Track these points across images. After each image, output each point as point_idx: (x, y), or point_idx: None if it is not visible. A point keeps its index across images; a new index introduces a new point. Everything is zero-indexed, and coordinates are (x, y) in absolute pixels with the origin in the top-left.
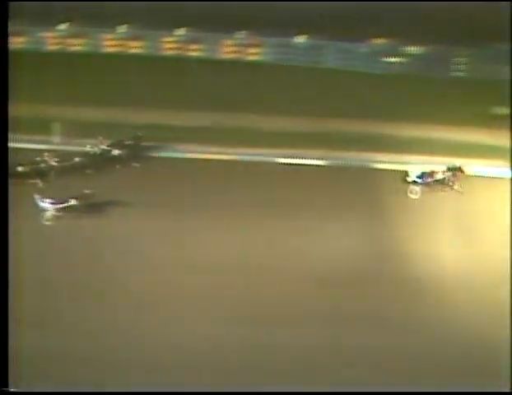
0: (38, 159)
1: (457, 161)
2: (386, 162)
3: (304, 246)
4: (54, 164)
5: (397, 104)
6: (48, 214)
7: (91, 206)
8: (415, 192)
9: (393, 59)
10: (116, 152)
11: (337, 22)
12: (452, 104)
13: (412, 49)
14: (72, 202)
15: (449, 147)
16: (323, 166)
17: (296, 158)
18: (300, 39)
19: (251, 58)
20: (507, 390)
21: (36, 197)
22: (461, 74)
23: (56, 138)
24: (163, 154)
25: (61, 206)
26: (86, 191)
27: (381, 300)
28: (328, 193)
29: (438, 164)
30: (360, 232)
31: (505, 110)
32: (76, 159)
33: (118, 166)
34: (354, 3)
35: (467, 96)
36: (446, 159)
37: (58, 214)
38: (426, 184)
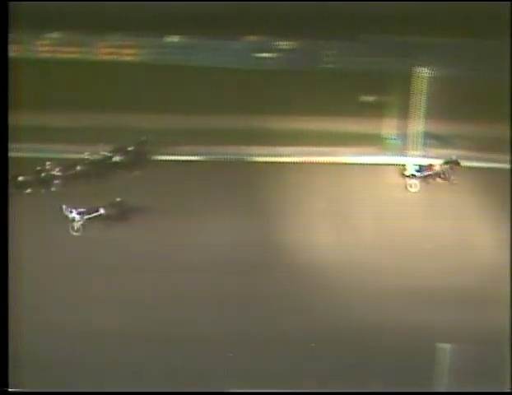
0: (39, 168)
1: (333, 150)
2: (262, 155)
3: (187, 240)
4: (57, 173)
5: (271, 98)
6: (77, 224)
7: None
8: (414, 186)
9: (264, 55)
10: (118, 158)
11: (208, 20)
12: (323, 95)
13: (283, 44)
14: (102, 211)
15: (323, 137)
16: (202, 161)
17: (174, 155)
18: (173, 39)
19: (126, 58)
20: (507, 390)
21: (64, 207)
22: (330, 66)
23: None
24: None
25: (90, 215)
26: (117, 199)
27: (265, 287)
28: (208, 188)
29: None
30: (241, 224)
31: (373, 99)
32: (79, 167)
33: (120, 172)
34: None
35: (338, 87)
36: (320, 149)
37: (86, 224)
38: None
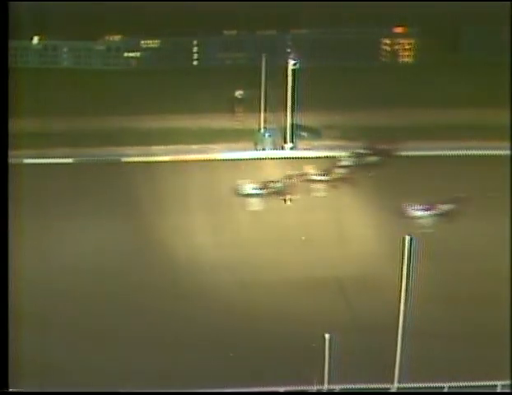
0: (292, 173)
1: (207, 147)
2: (134, 155)
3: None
4: (316, 177)
5: (140, 97)
6: (426, 221)
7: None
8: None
9: (130, 54)
10: (374, 158)
11: (70, 22)
12: (194, 92)
13: (149, 43)
14: (449, 206)
15: (196, 135)
16: (71, 164)
17: (43, 158)
18: (34, 41)
19: None
20: (507, 390)
21: (406, 205)
22: (199, 63)
23: None
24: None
25: (436, 211)
26: (460, 195)
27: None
28: (80, 190)
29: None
30: (118, 225)
31: (243, 94)
32: (339, 170)
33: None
34: (86, 2)
35: (209, 84)
36: (194, 146)
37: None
38: None
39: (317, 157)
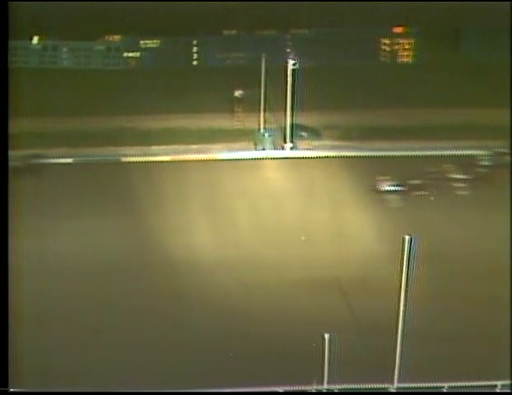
0: (433, 170)
1: (207, 147)
2: (133, 155)
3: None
4: (457, 176)
5: (140, 97)
6: None
7: None
8: None
9: (130, 54)
10: None
11: (70, 22)
12: (194, 92)
13: (149, 43)
14: None
15: (195, 134)
16: (70, 164)
17: (43, 158)
18: (34, 41)
19: None
20: (507, 390)
21: None
22: (198, 63)
23: None
24: None
25: None
26: None
27: (142, 287)
28: (80, 190)
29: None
30: (118, 225)
31: (243, 94)
32: (479, 169)
33: None
34: (85, 2)
35: (208, 84)
36: (193, 146)
37: None
38: None
39: (317, 157)
